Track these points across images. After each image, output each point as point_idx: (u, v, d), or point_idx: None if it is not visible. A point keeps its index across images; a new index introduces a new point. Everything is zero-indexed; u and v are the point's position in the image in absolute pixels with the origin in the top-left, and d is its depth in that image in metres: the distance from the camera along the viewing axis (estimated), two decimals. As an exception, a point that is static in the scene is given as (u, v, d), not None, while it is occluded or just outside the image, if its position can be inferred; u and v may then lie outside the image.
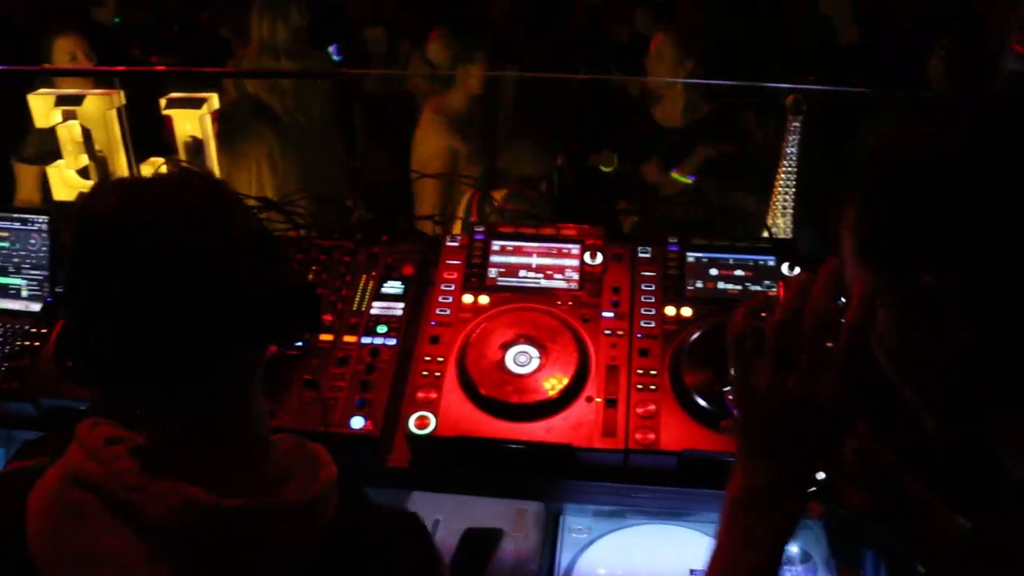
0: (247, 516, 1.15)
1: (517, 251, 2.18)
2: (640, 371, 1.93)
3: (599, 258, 2.14)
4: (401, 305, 2.08)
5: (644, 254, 2.18)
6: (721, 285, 2.11)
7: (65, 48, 3.96)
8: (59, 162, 2.62)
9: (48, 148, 3.74)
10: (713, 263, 2.15)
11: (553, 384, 1.89)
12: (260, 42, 4.31)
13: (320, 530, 1.22)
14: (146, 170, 2.58)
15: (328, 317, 2.05)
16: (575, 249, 2.17)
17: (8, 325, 2.35)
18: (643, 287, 2.10)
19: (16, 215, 2.39)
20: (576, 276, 2.13)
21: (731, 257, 2.15)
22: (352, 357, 1.98)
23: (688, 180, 3.70)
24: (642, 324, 2.02)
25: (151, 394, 1.21)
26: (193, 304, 1.14)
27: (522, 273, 2.14)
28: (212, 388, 1.22)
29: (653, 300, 2.07)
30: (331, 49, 5.69)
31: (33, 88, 3.72)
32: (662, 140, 3.99)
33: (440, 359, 1.96)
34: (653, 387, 1.90)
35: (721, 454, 1.79)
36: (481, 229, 2.21)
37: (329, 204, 2.49)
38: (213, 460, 1.22)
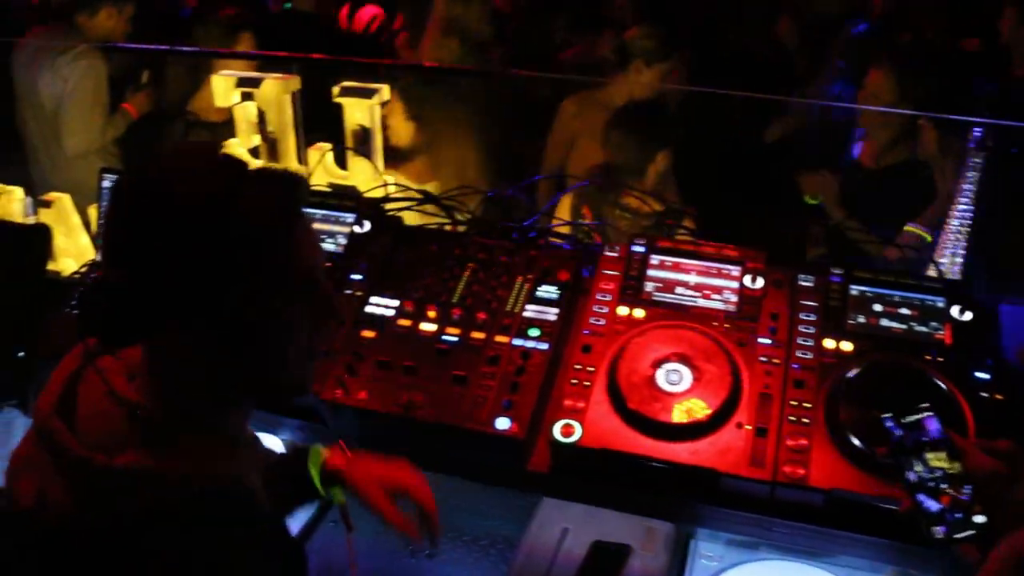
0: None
1: (676, 267, 2.14)
2: (794, 403, 1.87)
3: (760, 282, 2.09)
4: (555, 310, 2.08)
5: (806, 282, 2.11)
6: (884, 322, 2.03)
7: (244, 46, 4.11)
8: (232, 140, 2.72)
9: None
10: (878, 298, 2.07)
11: (703, 406, 1.85)
12: (447, 21, 4.21)
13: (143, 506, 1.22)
14: (313, 155, 2.65)
15: (482, 315, 2.06)
16: (735, 271, 2.12)
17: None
18: (802, 316, 2.04)
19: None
20: (734, 298, 2.08)
21: (897, 294, 2.07)
22: (503, 357, 1.98)
23: (927, 235, 3.42)
24: (799, 354, 1.96)
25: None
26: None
27: (679, 290, 2.11)
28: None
29: (812, 331, 2.01)
30: None
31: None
32: (856, 177, 3.82)
33: (590, 369, 1.95)
34: (806, 420, 1.84)
35: (872, 498, 1.73)
36: (642, 242, 2.19)
37: (494, 203, 2.50)
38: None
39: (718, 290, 2.10)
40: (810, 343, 1.98)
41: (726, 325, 2.02)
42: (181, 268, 1.20)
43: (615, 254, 2.18)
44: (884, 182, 3.69)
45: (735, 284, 2.10)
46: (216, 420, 1.36)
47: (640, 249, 2.18)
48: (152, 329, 1.26)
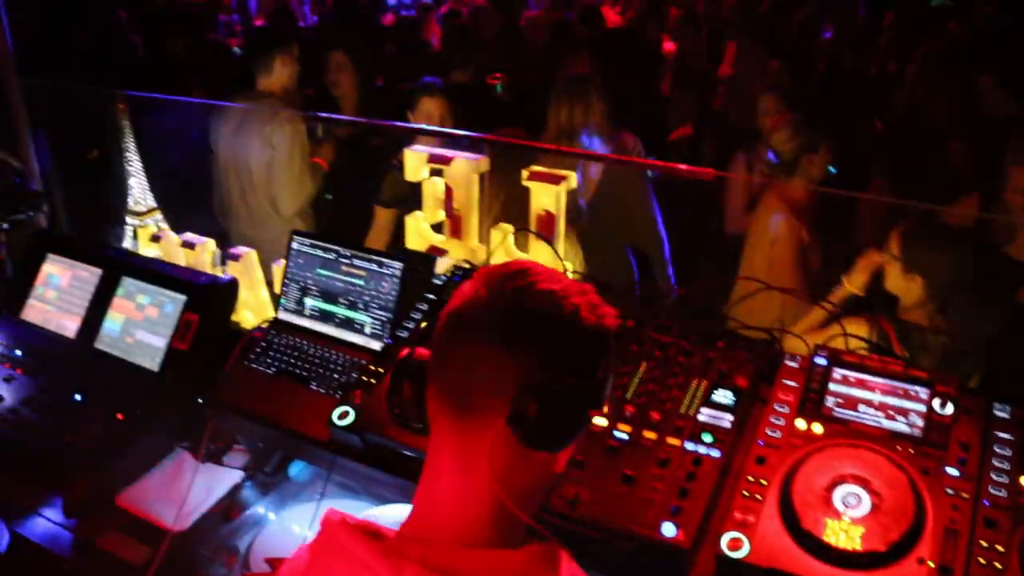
0: None
1: (860, 384, 2.05)
2: (984, 543, 1.74)
3: (949, 408, 1.98)
4: (730, 417, 2.02)
5: (1001, 413, 1.99)
6: (1092, 465, 1.89)
7: (427, 109, 4.25)
8: (417, 213, 2.79)
9: (399, 194, 4.04)
10: (1084, 438, 1.92)
11: (882, 535, 1.75)
12: (558, 130, 4.23)
13: None
14: (496, 235, 2.69)
15: (655, 415, 2.02)
16: (923, 393, 2.02)
17: (348, 357, 2.51)
18: (997, 450, 1.91)
19: (375, 257, 2.56)
20: (920, 423, 1.97)
21: (1108, 435, 1.92)
22: (673, 461, 1.93)
23: None
24: (991, 491, 1.83)
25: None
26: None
27: (862, 408, 2.02)
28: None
29: (1008, 467, 1.87)
30: None
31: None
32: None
33: (763, 482, 1.87)
34: (998, 565, 1.70)
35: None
36: (824, 354, 2.11)
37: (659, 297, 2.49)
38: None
39: (904, 412, 2.00)
40: (1005, 480, 1.85)
41: (911, 450, 1.92)
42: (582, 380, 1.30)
43: (795, 364, 2.12)
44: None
45: (923, 407, 2.00)
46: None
47: (822, 361, 2.10)
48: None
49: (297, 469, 2.62)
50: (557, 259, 2.55)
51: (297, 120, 4.36)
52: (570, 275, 2.58)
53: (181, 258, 3.27)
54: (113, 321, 2.76)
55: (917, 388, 2.03)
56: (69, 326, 2.83)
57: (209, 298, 2.69)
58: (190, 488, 2.45)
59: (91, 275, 2.87)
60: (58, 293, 2.90)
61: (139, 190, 3.94)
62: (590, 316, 1.31)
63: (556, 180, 2.54)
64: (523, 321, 1.28)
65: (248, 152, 4.41)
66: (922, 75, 5.81)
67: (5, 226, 3.44)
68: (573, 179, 2.57)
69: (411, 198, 3.81)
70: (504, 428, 1.27)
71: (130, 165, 3.91)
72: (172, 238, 3.34)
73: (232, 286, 2.77)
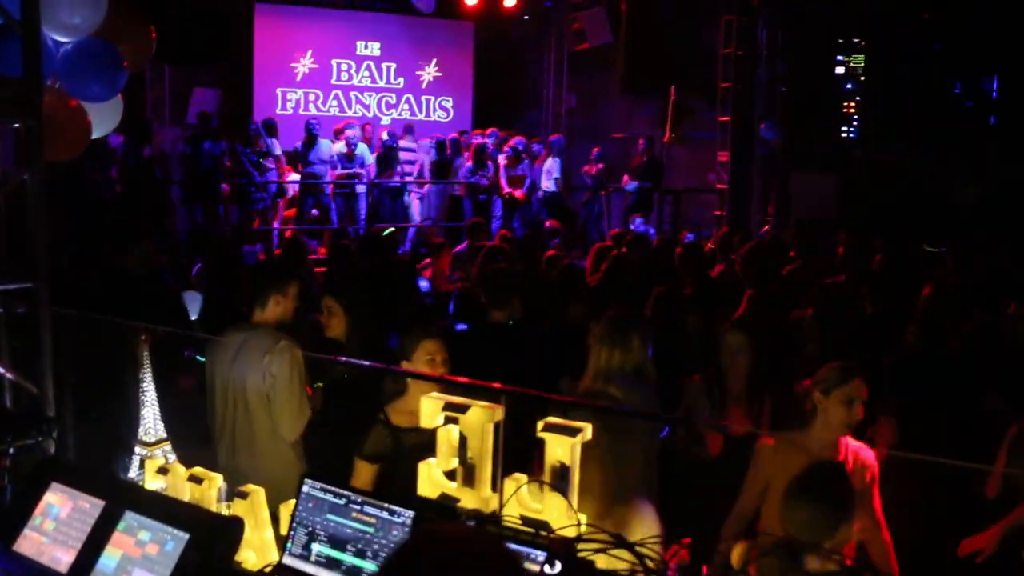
0: None
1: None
2: None
3: None
4: None
5: None
6: None
7: (427, 349, 4.30)
8: (431, 460, 2.77)
9: (383, 450, 4.02)
10: None
11: None
12: (596, 371, 4.34)
13: None
14: (510, 485, 2.65)
15: None
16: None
17: (351, 609, 2.42)
18: None
19: (386, 505, 2.52)
20: None
21: None
22: None
23: None
24: None
25: None
26: None
27: None
28: None
29: None
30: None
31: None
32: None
33: None
34: None
35: None
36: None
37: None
38: None
39: None
40: None
41: None
42: None
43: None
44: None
45: None
46: None
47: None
48: None
49: None
50: (571, 512, 2.50)
51: (294, 348, 4.41)
52: (584, 528, 2.53)
53: (187, 492, 3.21)
54: (110, 557, 2.68)
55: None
56: (63, 559, 2.74)
57: (213, 538, 2.63)
58: None
59: (92, 507, 2.81)
60: (56, 524, 2.83)
61: (151, 420, 3.93)
62: None
63: (572, 432, 2.53)
64: None
65: (246, 382, 4.44)
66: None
67: (11, 451, 3.40)
68: (589, 431, 2.57)
69: (396, 455, 3.81)
70: None
71: (144, 395, 3.92)
72: (179, 471, 3.29)
73: (238, 527, 2.71)
